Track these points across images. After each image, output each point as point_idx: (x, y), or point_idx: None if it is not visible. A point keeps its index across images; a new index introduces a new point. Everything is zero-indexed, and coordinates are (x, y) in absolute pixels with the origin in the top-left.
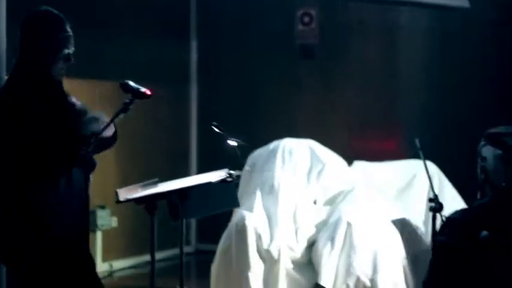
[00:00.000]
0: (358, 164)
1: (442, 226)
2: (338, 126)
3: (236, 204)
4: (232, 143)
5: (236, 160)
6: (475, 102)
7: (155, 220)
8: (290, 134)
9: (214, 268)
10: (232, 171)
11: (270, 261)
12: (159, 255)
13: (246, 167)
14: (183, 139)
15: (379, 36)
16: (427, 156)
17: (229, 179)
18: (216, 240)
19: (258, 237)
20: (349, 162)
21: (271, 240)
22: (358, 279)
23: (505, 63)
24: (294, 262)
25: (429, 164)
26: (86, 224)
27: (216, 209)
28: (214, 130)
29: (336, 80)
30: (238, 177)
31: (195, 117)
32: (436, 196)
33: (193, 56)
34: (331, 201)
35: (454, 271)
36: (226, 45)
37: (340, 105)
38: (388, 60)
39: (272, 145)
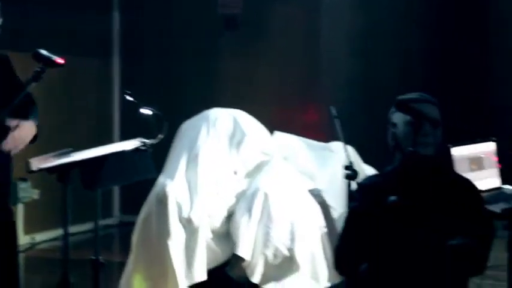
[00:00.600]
0: (278, 135)
1: (353, 192)
2: (262, 97)
3: (153, 173)
4: (145, 112)
5: (151, 129)
6: (400, 70)
7: (68, 190)
8: (214, 105)
9: (135, 237)
10: (146, 140)
11: (190, 229)
12: (81, 228)
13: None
14: (106, 110)
15: (302, 6)
16: (350, 126)
17: (143, 148)
18: (140, 211)
19: (178, 206)
20: (272, 133)
21: (191, 209)
22: (276, 249)
23: (430, 30)
24: (213, 231)
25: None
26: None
27: (133, 179)
28: (127, 98)
29: (260, 50)
30: (153, 145)
31: (118, 88)
32: (351, 163)
33: (116, 28)
34: (252, 172)
35: (364, 235)
36: (149, 16)
37: (263, 76)
38: (311, 30)
39: (200, 115)
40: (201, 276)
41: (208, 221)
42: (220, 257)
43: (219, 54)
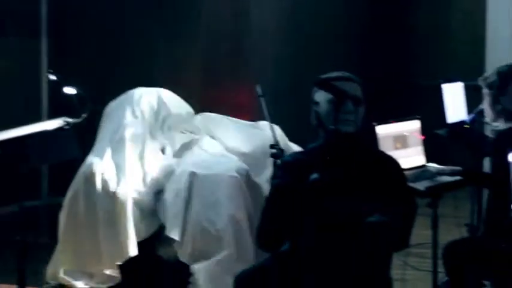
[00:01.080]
0: (205, 115)
1: (276, 169)
2: (190, 77)
3: (76, 153)
4: (69, 91)
5: (74, 108)
6: (325, 50)
7: None
8: (145, 85)
9: (63, 216)
10: (69, 119)
11: (117, 205)
12: (6, 209)
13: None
14: (34, 91)
15: None
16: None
17: (66, 127)
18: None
19: (105, 182)
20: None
21: (118, 185)
22: (203, 229)
23: (354, 10)
24: (141, 208)
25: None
26: None
27: (57, 159)
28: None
29: (189, 31)
30: (76, 125)
31: (46, 68)
32: (277, 142)
33: (44, 8)
34: (179, 152)
35: (286, 213)
36: None
37: (192, 56)
38: (240, 10)
39: (124, 95)
40: (132, 251)
41: (135, 197)
42: (148, 233)
43: (150, 34)
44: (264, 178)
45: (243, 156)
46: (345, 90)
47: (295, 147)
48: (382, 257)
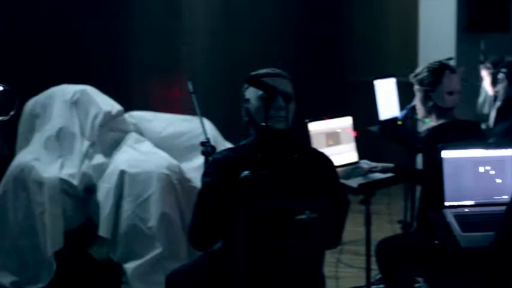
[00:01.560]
0: (134, 113)
1: (207, 167)
2: (121, 74)
3: (3, 150)
4: None
5: (1, 105)
6: (258, 47)
7: None
8: (77, 82)
9: None
10: None
11: (46, 196)
12: None
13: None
14: None
15: None
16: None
17: None
18: None
19: (36, 177)
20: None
21: (48, 178)
22: (135, 228)
23: (287, 7)
24: (70, 199)
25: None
26: None
27: None
28: None
29: (123, 28)
30: (3, 122)
31: None
32: (208, 139)
33: None
34: (109, 150)
35: (218, 211)
36: None
37: (127, 54)
38: (172, 8)
39: (47, 92)
40: (59, 243)
41: (66, 189)
42: (72, 224)
43: (79, 31)
44: (192, 168)
45: (174, 152)
46: (275, 86)
47: (229, 145)
48: (314, 255)
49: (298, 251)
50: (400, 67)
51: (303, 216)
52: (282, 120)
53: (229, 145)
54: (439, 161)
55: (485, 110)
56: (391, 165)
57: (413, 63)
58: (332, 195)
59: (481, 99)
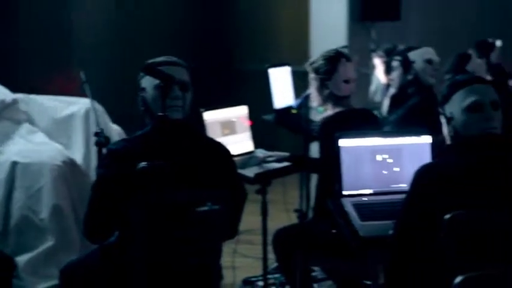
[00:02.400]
0: (24, 100)
1: (102, 158)
2: (13, 64)
3: None
4: None
5: None
6: (151, 35)
7: None
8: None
9: None
10: None
11: None
12: None
13: None
14: None
15: None
16: (105, 91)
17: None
18: None
19: None
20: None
21: None
22: (27, 220)
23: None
24: None
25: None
26: None
27: None
28: None
29: (16, 21)
30: None
31: None
32: (101, 130)
33: None
34: (0, 141)
35: (114, 203)
36: None
37: (18, 46)
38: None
39: None
40: None
41: None
42: None
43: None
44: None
45: (67, 143)
46: (172, 75)
47: (115, 128)
48: (214, 246)
49: (197, 242)
50: (293, 56)
51: (205, 208)
52: (179, 110)
53: (116, 128)
54: (337, 149)
55: (377, 98)
56: (286, 154)
57: (305, 52)
58: (230, 185)
59: (373, 88)
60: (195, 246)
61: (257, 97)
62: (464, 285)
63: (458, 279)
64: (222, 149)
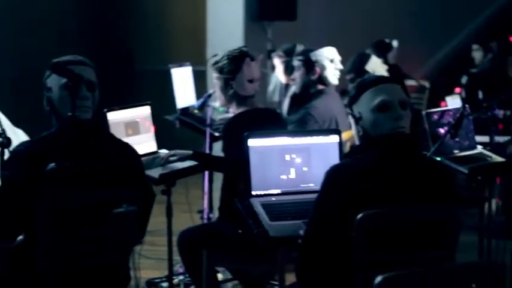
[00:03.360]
0: None
1: (7, 160)
2: None
3: None
4: None
5: None
6: (55, 33)
7: None
8: None
9: None
10: None
11: None
12: None
13: None
14: None
15: None
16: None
17: None
18: None
19: None
20: None
21: None
22: None
23: None
24: None
25: None
26: None
27: None
28: None
29: None
30: None
31: None
32: (3, 131)
33: None
34: None
35: (21, 206)
36: None
37: None
38: None
39: None
40: None
41: None
42: None
43: None
44: None
45: None
46: (80, 74)
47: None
48: (126, 248)
49: (107, 244)
50: (191, 55)
51: (121, 210)
52: (88, 110)
53: (18, 130)
54: (246, 149)
55: (275, 98)
56: (189, 152)
57: (202, 51)
58: (139, 186)
59: (271, 88)
60: (106, 247)
61: (160, 97)
62: (384, 285)
63: (378, 279)
64: (130, 149)
